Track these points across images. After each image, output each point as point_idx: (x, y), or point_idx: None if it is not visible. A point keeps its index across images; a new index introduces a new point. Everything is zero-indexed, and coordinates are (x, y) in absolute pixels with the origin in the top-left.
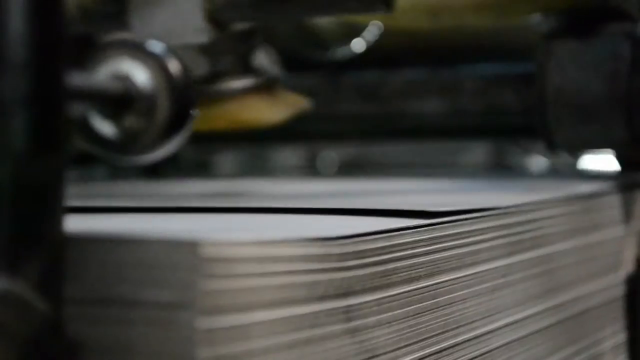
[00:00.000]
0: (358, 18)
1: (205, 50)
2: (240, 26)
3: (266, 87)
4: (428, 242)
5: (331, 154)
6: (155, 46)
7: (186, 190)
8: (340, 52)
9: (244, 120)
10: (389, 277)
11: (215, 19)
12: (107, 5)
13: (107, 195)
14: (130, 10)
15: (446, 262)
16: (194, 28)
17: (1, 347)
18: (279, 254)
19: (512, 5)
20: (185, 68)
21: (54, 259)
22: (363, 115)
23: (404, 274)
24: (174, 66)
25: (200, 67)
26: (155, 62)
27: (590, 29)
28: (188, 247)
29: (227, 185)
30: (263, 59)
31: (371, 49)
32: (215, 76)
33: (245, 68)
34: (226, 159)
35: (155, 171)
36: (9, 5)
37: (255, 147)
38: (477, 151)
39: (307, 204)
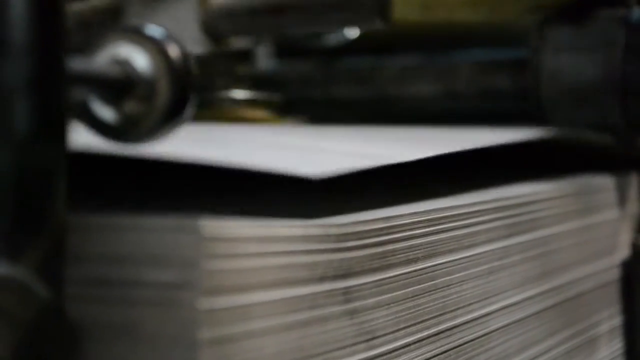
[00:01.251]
0: None
1: (201, 63)
2: (238, 43)
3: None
4: (426, 224)
5: None
6: (155, 30)
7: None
8: (334, 38)
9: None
10: (387, 259)
11: (210, 30)
12: (104, 16)
13: None
14: (126, 21)
15: (444, 243)
16: (189, 39)
17: (3, 333)
18: (278, 235)
19: (504, 2)
20: (185, 53)
21: (56, 244)
22: (358, 100)
23: (403, 255)
24: (174, 51)
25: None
26: (155, 46)
27: (585, 14)
28: (189, 228)
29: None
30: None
31: (365, 35)
32: (211, 90)
33: (242, 84)
34: None
35: None
36: None
37: None
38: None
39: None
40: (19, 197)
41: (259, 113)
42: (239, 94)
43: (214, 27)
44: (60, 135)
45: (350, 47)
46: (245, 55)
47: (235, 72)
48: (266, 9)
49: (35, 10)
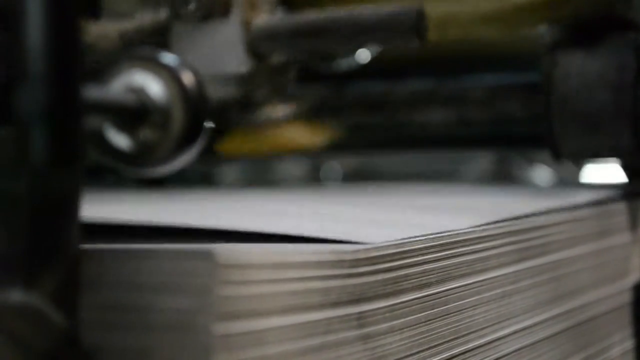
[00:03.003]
0: None
1: (244, 80)
2: (278, 58)
3: (305, 115)
4: (438, 249)
5: (334, 165)
6: (169, 58)
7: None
8: (345, 63)
9: (286, 144)
10: (400, 284)
11: (253, 50)
12: (150, 36)
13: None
14: (171, 41)
15: (456, 268)
16: (233, 59)
17: None
18: (292, 261)
19: (518, 17)
20: (199, 80)
21: (70, 271)
22: (368, 125)
23: (415, 280)
24: (187, 78)
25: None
26: (169, 74)
27: (596, 39)
28: (203, 256)
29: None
30: None
31: (376, 60)
32: (254, 104)
33: (283, 96)
34: (230, 169)
35: (160, 183)
36: (28, 19)
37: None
38: (482, 161)
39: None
40: (34, 224)
41: (300, 134)
42: (279, 110)
43: (258, 47)
44: (75, 163)
45: (361, 72)
46: (284, 68)
47: (276, 83)
48: (307, 30)
49: (51, 39)
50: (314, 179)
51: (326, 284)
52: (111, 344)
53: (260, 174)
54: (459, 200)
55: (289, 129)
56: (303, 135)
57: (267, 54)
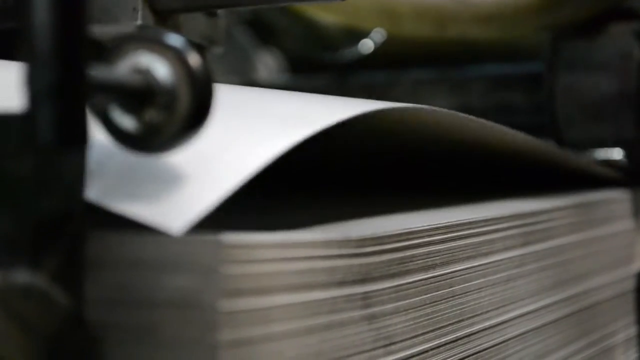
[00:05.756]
0: (364, 25)
1: None
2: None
3: None
4: (444, 231)
5: None
6: (175, 39)
7: None
8: (348, 54)
9: None
10: (406, 265)
11: (153, 6)
12: None
13: None
14: None
15: (462, 250)
16: (129, 10)
17: (24, 341)
18: (298, 241)
19: (517, 20)
20: (205, 61)
21: (75, 252)
22: None
23: (421, 261)
24: (194, 59)
25: None
26: (175, 55)
27: (599, 28)
28: (209, 237)
29: None
30: (268, 60)
31: (379, 50)
32: None
33: None
34: None
35: None
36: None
37: None
38: None
39: None
40: (39, 205)
41: None
42: None
43: (156, 2)
44: (81, 143)
45: (364, 62)
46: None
47: None
48: None
49: (58, 20)
50: None
51: (332, 263)
52: (116, 321)
53: None
54: None
55: None
56: None
57: (171, 9)
